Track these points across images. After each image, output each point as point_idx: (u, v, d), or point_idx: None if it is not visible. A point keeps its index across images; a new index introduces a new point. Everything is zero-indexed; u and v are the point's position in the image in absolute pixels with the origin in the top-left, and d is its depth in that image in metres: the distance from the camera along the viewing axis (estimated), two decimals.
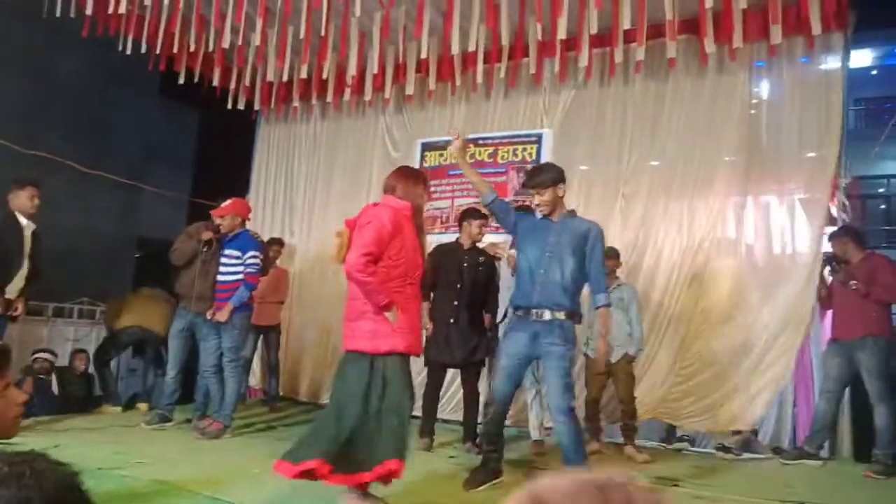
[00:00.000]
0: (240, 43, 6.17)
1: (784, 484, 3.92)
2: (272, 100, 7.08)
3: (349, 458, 2.90)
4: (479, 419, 4.82)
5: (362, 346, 3.02)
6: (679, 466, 4.41)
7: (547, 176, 3.56)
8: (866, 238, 4.98)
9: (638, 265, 5.43)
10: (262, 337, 6.16)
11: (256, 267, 4.91)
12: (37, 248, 4.70)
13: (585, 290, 3.67)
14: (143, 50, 6.10)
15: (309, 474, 2.89)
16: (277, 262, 6.33)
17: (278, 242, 6.44)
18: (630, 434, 4.69)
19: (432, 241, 4.55)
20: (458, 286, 4.58)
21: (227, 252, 4.88)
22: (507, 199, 4.03)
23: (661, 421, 5.25)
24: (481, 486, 3.51)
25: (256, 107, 7.23)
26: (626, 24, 4.81)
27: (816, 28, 4.69)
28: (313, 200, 7.19)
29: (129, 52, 6.06)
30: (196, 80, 6.55)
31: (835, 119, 5.00)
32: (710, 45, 4.95)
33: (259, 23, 5.53)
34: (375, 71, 6.08)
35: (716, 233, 5.30)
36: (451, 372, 4.92)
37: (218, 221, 4.91)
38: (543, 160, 5.88)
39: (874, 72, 13.17)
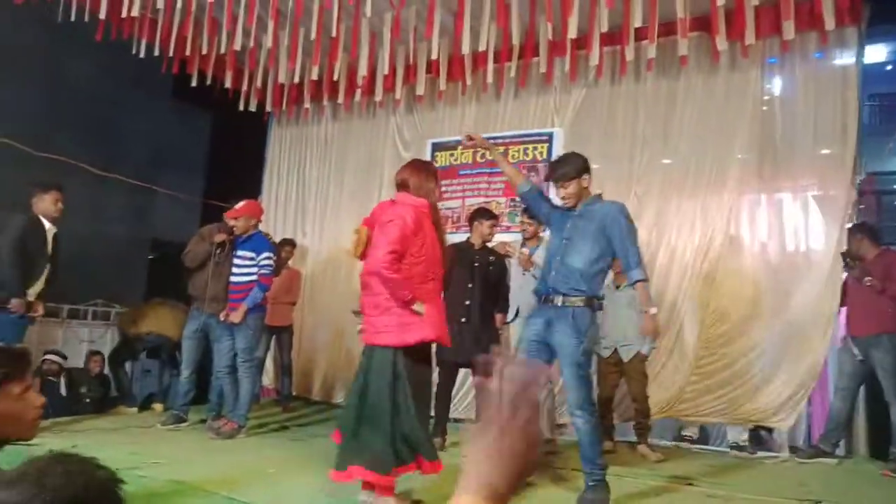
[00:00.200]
0: (251, 45, 6.21)
1: (799, 482, 3.90)
2: (283, 101, 7.11)
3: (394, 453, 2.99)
4: None
5: (388, 341, 3.05)
6: (692, 465, 4.40)
7: (570, 167, 3.44)
8: (881, 234, 4.93)
9: (651, 264, 5.39)
10: (274, 337, 6.20)
11: (270, 268, 4.94)
12: (57, 250, 4.75)
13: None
14: (156, 53, 6.16)
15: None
16: (290, 262, 6.37)
17: (290, 243, 6.48)
18: (643, 432, 4.68)
19: None
20: (470, 285, 4.58)
21: (240, 253, 4.92)
22: (542, 190, 3.84)
23: (675, 419, 5.23)
24: None
25: (268, 108, 7.27)
26: (637, 22, 4.79)
27: (830, 23, 4.64)
28: (325, 201, 7.22)
29: (142, 55, 6.11)
30: (208, 82, 6.59)
31: (850, 115, 4.94)
32: (721, 43, 4.92)
33: (270, 25, 5.56)
34: (386, 71, 6.09)
35: (729, 231, 5.26)
36: (462, 371, 4.92)
37: (232, 223, 4.94)
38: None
39: (889, 67, 13.02)
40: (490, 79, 5.74)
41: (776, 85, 5.39)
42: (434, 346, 3.43)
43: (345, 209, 6.96)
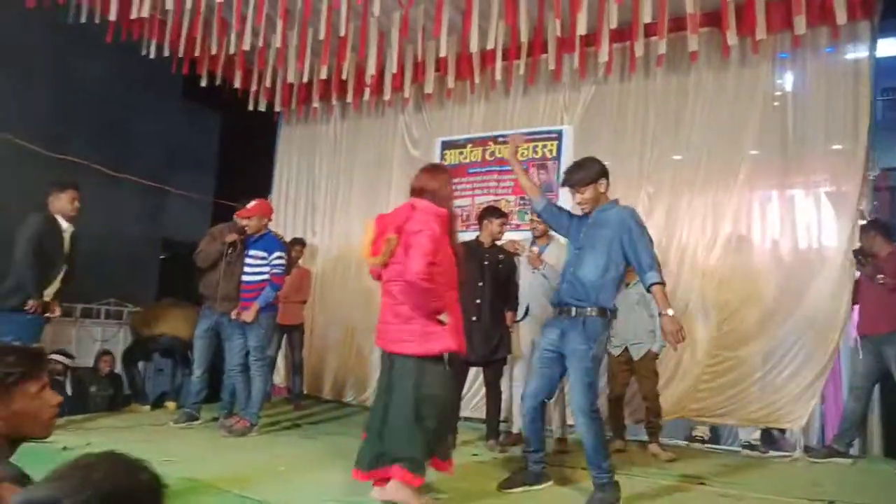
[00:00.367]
0: (260, 45, 6.23)
1: (812, 482, 3.87)
2: (293, 101, 7.13)
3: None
4: (502, 416, 4.83)
5: (411, 350, 3.06)
6: (704, 464, 4.37)
7: (585, 173, 3.41)
8: (895, 231, 4.87)
9: (662, 262, 5.31)
10: (286, 336, 6.23)
11: (282, 268, 4.97)
12: (74, 250, 4.79)
13: None
14: (166, 54, 6.20)
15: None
16: (300, 262, 6.40)
17: (300, 242, 6.51)
18: (654, 432, 4.66)
19: None
20: (480, 284, 4.58)
21: (252, 253, 4.94)
22: (557, 204, 3.84)
23: (687, 419, 5.20)
24: (515, 489, 3.49)
25: (277, 108, 7.30)
26: (646, 18, 4.76)
27: (842, 17, 4.60)
28: (334, 200, 7.24)
29: (152, 56, 6.15)
30: (218, 82, 6.62)
31: (863, 110, 4.89)
32: (732, 38, 4.89)
33: (279, 25, 5.58)
34: (394, 70, 6.09)
35: (741, 228, 5.22)
36: (472, 370, 4.92)
37: (244, 223, 4.96)
38: (564, 157, 5.85)
39: None
40: (499, 76, 5.73)
41: (787, 80, 5.33)
42: None
43: (354, 208, 6.98)
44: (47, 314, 4.62)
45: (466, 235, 5.29)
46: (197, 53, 6.26)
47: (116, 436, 4.58)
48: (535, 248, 4.77)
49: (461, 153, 6.45)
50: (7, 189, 6.17)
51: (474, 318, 4.50)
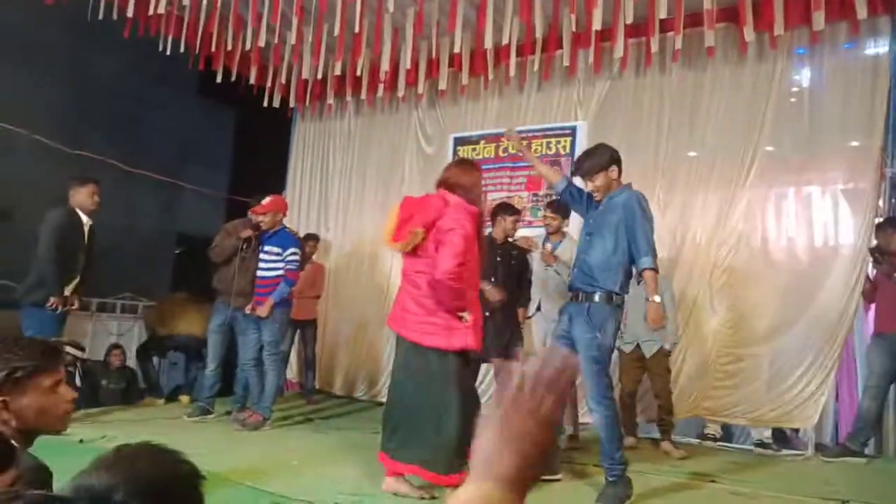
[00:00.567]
0: (276, 41, 6.25)
1: (825, 482, 3.84)
2: (307, 97, 7.15)
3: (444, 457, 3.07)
4: None
5: (437, 343, 3.10)
6: (716, 462, 4.35)
7: (595, 161, 3.42)
8: None
9: (676, 258, 5.35)
10: (299, 331, 6.26)
11: (297, 263, 4.99)
12: (92, 242, 4.85)
13: None
14: (182, 50, 6.23)
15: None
16: (313, 257, 6.42)
17: (314, 238, 6.53)
18: (667, 429, 4.64)
19: None
20: (493, 280, 4.57)
21: (266, 248, 4.97)
22: (576, 185, 3.79)
23: (700, 417, 5.17)
24: None
25: (292, 104, 7.31)
26: (662, 14, 4.72)
27: (862, 12, 4.53)
28: (348, 196, 7.26)
29: (168, 52, 6.19)
30: (233, 78, 6.65)
31: (879, 106, 4.83)
32: (749, 34, 4.84)
33: (295, 21, 5.59)
34: (408, 66, 6.09)
35: (756, 225, 5.18)
36: (483, 366, 4.92)
37: (259, 218, 4.99)
38: (578, 152, 5.80)
39: None
40: (513, 72, 5.71)
41: (805, 76, 5.27)
42: None
43: (368, 203, 6.99)
44: (67, 308, 4.68)
45: None
46: (213, 49, 6.29)
47: (131, 429, 4.62)
48: (549, 245, 4.76)
49: (474, 149, 6.45)
50: (24, 184, 6.25)
51: (486, 314, 4.50)
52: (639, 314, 4.71)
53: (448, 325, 3.08)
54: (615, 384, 5.06)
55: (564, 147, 5.99)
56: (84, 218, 4.77)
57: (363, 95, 6.72)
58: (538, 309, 4.76)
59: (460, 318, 3.10)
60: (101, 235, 4.99)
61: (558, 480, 3.61)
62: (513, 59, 5.56)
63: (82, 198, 4.76)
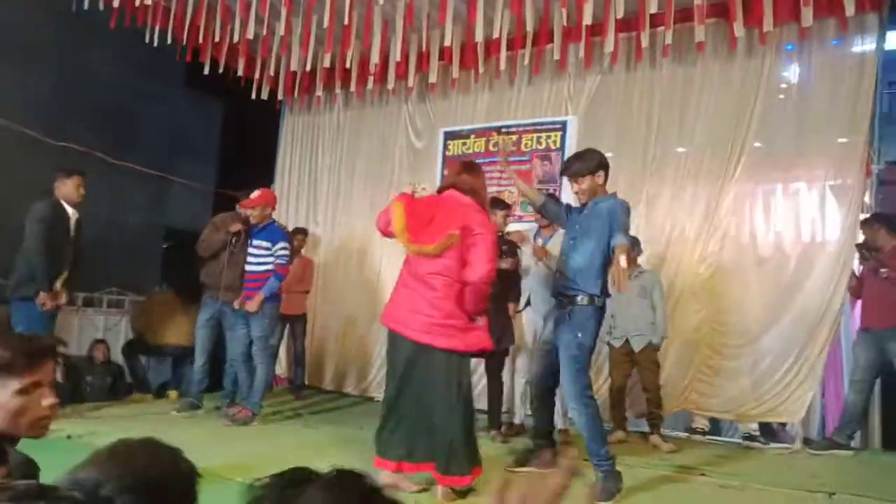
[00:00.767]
0: (264, 33, 6.19)
1: (812, 475, 3.88)
2: (296, 89, 7.10)
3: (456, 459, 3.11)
4: (504, 407, 4.84)
5: (453, 345, 3.11)
6: (705, 456, 4.39)
7: (583, 164, 3.47)
8: None
9: (664, 253, 5.37)
10: (288, 326, 6.23)
11: (286, 258, 4.96)
12: (79, 235, 4.80)
13: None
14: (169, 41, 6.16)
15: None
16: (302, 251, 6.39)
17: (302, 232, 6.50)
18: (656, 423, 4.68)
19: None
20: None
21: (255, 243, 4.93)
22: (554, 197, 3.98)
23: (689, 411, 5.21)
24: (519, 468, 3.57)
25: (280, 96, 7.26)
26: (653, 8, 4.74)
27: (850, 9, 4.56)
28: (337, 189, 7.22)
29: (155, 43, 6.12)
30: (221, 70, 6.59)
31: (864, 103, 4.86)
32: (739, 29, 4.85)
33: (283, 12, 5.54)
34: (398, 59, 6.06)
35: (743, 220, 5.21)
36: (473, 360, 4.92)
37: (248, 212, 4.95)
38: (568, 147, 5.83)
39: None
40: (503, 66, 5.70)
41: (793, 72, 5.29)
42: None
43: (357, 197, 6.96)
44: (55, 303, 4.63)
45: None
46: (200, 41, 6.22)
47: (119, 424, 4.59)
48: (540, 240, 4.76)
49: (464, 144, 6.43)
50: (10, 177, 6.16)
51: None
52: (628, 310, 4.75)
53: (465, 327, 3.13)
54: (605, 379, 5.11)
55: (555, 142, 5.99)
56: (69, 210, 4.72)
57: (352, 88, 6.68)
58: (528, 303, 4.77)
59: (474, 319, 3.18)
60: (87, 229, 4.93)
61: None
62: (503, 53, 5.54)
63: (68, 189, 4.71)
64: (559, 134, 5.99)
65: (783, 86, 5.30)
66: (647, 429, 4.77)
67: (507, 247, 4.73)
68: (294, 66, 6.41)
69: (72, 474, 0.89)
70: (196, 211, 8.03)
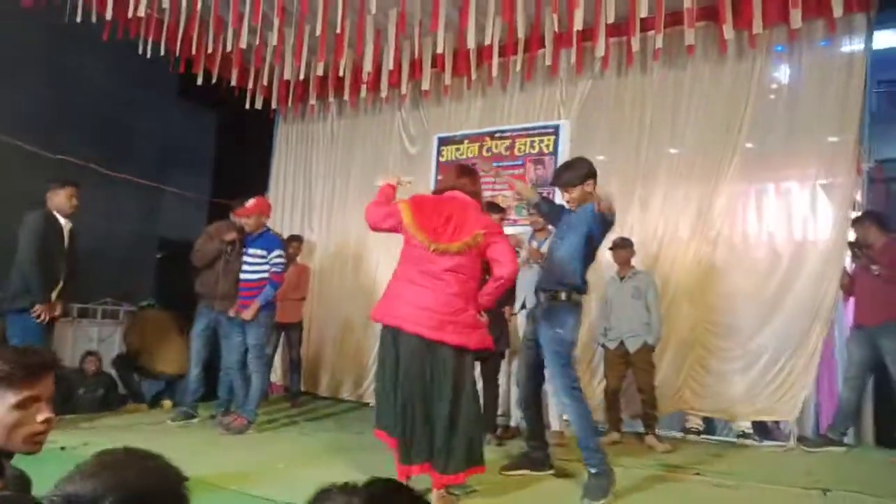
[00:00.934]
0: (257, 43, 6.22)
1: (806, 472, 3.89)
2: (289, 99, 7.12)
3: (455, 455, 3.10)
4: (499, 410, 4.84)
5: (471, 342, 3.15)
6: (700, 455, 4.40)
7: (574, 174, 3.54)
8: (890, 222, 4.88)
9: (658, 255, 5.39)
10: (284, 334, 6.22)
11: (282, 266, 4.97)
12: (73, 246, 4.79)
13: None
14: (162, 52, 6.18)
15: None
16: (297, 258, 6.39)
17: (297, 239, 6.50)
18: (651, 423, 4.68)
19: None
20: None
21: (251, 251, 4.93)
22: (548, 199, 4.02)
23: (683, 411, 5.21)
24: (514, 471, 3.64)
25: (274, 106, 7.28)
26: (643, 13, 4.77)
27: (838, 10, 4.60)
28: (331, 197, 7.24)
29: (148, 55, 6.14)
30: (214, 81, 6.61)
31: (854, 102, 4.90)
32: (729, 32, 4.89)
33: (276, 22, 5.57)
34: (391, 67, 6.09)
35: (736, 221, 5.23)
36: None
37: (243, 221, 4.96)
38: (561, 152, 5.86)
39: None
40: (495, 72, 5.74)
41: (783, 73, 5.34)
42: None
43: (351, 204, 6.97)
44: (51, 315, 4.62)
45: None
46: (193, 52, 6.24)
47: (113, 435, 4.56)
48: (534, 243, 4.78)
49: (458, 150, 6.45)
50: (4, 189, 6.16)
51: None
52: (622, 311, 4.77)
53: (475, 325, 3.18)
54: (600, 380, 5.12)
55: (548, 146, 6.02)
56: (62, 221, 4.72)
57: (346, 97, 6.71)
58: (523, 306, 4.77)
59: (482, 315, 3.25)
60: (81, 240, 4.93)
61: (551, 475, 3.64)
62: (495, 60, 5.58)
63: (60, 200, 4.71)
64: (552, 138, 6.02)
65: (774, 87, 5.34)
66: (642, 429, 4.78)
67: None
68: (287, 76, 6.44)
69: (61, 488, 0.88)
70: (190, 221, 8.01)
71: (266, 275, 4.88)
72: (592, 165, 3.57)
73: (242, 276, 4.94)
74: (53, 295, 4.63)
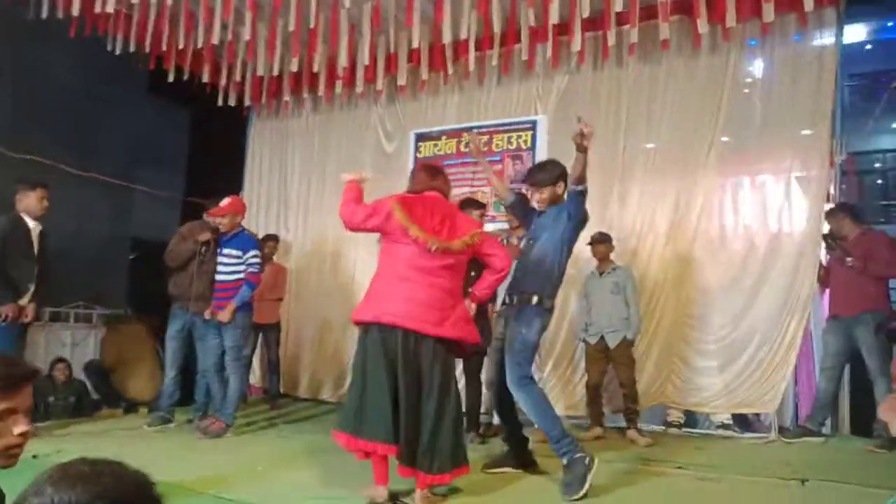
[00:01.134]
0: (229, 38, 6.11)
1: (785, 462, 3.94)
2: (263, 95, 7.02)
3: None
4: (482, 409, 4.83)
5: (470, 335, 3.21)
6: (682, 448, 4.43)
7: (546, 175, 3.59)
8: (862, 214, 4.96)
9: (636, 249, 5.41)
10: (261, 335, 6.14)
11: (258, 266, 4.88)
12: (43, 248, 4.67)
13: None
14: (132, 49, 6.04)
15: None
16: (274, 258, 6.31)
17: (273, 238, 6.42)
18: (632, 418, 4.70)
19: None
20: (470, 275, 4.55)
21: (226, 251, 4.84)
22: (524, 197, 3.95)
23: (665, 405, 5.25)
24: (495, 469, 3.65)
25: (247, 102, 7.16)
26: (618, 7, 4.78)
27: (809, 4, 4.64)
28: (307, 195, 7.15)
29: (117, 51, 6.00)
30: (186, 77, 6.48)
31: (825, 95, 4.96)
32: (703, 26, 4.91)
33: (248, 17, 5.47)
34: (367, 62, 6.03)
35: (713, 214, 5.28)
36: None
37: (218, 221, 4.87)
38: (538, 147, 5.85)
39: (868, 46, 13.04)
40: (472, 67, 5.71)
41: (757, 67, 5.39)
42: None
43: (328, 202, 6.89)
44: (22, 319, 4.50)
45: None
46: (164, 48, 6.11)
47: (88, 442, 4.46)
48: (514, 240, 4.76)
49: (436, 145, 6.41)
50: None
51: None
52: (602, 306, 4.79)
53: (468, 318, 3.23)
54: (581, 375, 5.14)
55: (525, 141, 6.01)
56: (31, 223, 4.60)
57: (321, 92, 6.63)
58: (504, 304, 4.75)
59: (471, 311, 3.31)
60: (51, 242, 4.81)
61: (537, 473, 3.65)
62: (472, 54, 5.55)
63: (31, 202, 4.59)
64: (530, 133, 6.01)
65: (748, 81, 5.39)
66: (624, 424, 4.80)
67: None
68: (261, 72, 6.33)
69: (40, 499, 0.84)
70: (164, 220, 7.86)
71: (242, 275, 4.79)
72: (564, 168, 3.60)
73: (218, 277, 4.85)
74: (26, 299, 4.51)
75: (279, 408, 6.04)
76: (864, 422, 4.71)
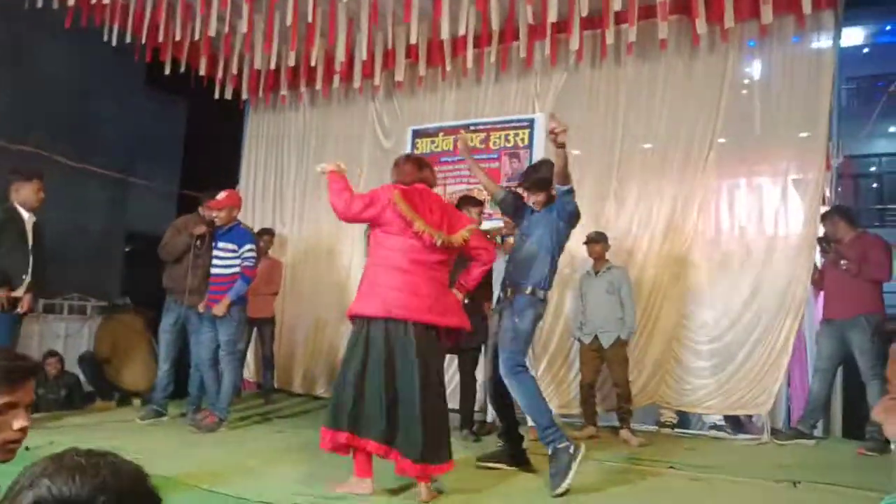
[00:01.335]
0: (226, 31, 6.08)
1: (777, 464, 3.95)
2: (260, 88, 6.99)
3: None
4: (476, 406, 4.83)
5: (464, 322, 3.25)
6: (674, 449, 4.44)
7: (540, 176, 3.62)
8: (857, 217, 4.97)
9: (632, 249, 5.42)
10: (256, 329, 6.12)
11: (254, 260, 4.86)
12: (39, 239, 4.65)
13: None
14: (128, 40, 6.01)
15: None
16: (269, 252, 6.29)
17: (269, 232, 6.39)
18: (625, 418, 4.71)
19: None
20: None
21: (221, 245, 4.82)
22: (517, 194, 3.95)
23: (658, 405, 5.26)
24: (489, 463, 3.67)
25: (244, 96, 7.14)
26: (617, 6, 4.76)
27: (807, 6, 4.65)
28: (304, 189, 7.13)
29: (114, 43, 5.96)
30: (183, 69, 6.45)
31: (823, 98, 4.97)
32: (701, 26, 4.91)
33: (246, 10, 5.45)
34: (364, 57, 6.00)
35: (710, 216, 5.29)
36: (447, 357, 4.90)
37: (214, 214, 4.85)
38: (536, 145, 5.82)
39: (866, 50, 13.09)
40: (470, 64, 5.69)
41: (755, 68, 5.40)
42: None
43: (323, 197, 6.80)
44: (17, 310, 4.47)
45: None
46: (161, 40, 6.08)
47: (81, 434, 4.44)
48: (510, 239, 4.76)
49: (433, 142, 6.37)
50: None
51: None
52: (596, 306, 4.79)
53: (461, 307, 3.27)
54: (575, 374, 5.14)
55: (523, 139, 5.97)
56: (25, 215, 4.58)
57: (318, 86, 6.60)
58: (499, 300, 4.76)
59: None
60: (46, 234, 4.79)
61: (530, 471, 3.65)
62: (470, 51, 5.53)
63: (27, 194, 4.57)
64: (527, 131, 5.97)
65: (746, 82, 5.40)
66: (617, 423, 4.81)
67: None
68: (258, 65, 6.30)
69: (36, 492, 0.84)
70: (159, 213, 7.85)
71: (237, 269, 4.77)
72: None
73: (213, 270, 4.83)
74: (21, 290, 4.49)
75: (273, 402, 6.03)
76: (856, 424, 4.73)
